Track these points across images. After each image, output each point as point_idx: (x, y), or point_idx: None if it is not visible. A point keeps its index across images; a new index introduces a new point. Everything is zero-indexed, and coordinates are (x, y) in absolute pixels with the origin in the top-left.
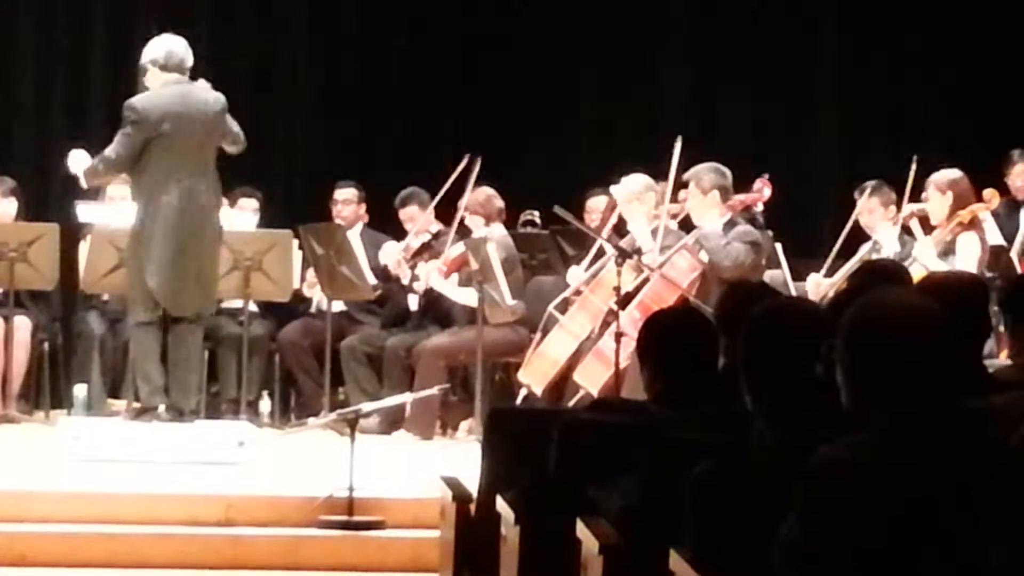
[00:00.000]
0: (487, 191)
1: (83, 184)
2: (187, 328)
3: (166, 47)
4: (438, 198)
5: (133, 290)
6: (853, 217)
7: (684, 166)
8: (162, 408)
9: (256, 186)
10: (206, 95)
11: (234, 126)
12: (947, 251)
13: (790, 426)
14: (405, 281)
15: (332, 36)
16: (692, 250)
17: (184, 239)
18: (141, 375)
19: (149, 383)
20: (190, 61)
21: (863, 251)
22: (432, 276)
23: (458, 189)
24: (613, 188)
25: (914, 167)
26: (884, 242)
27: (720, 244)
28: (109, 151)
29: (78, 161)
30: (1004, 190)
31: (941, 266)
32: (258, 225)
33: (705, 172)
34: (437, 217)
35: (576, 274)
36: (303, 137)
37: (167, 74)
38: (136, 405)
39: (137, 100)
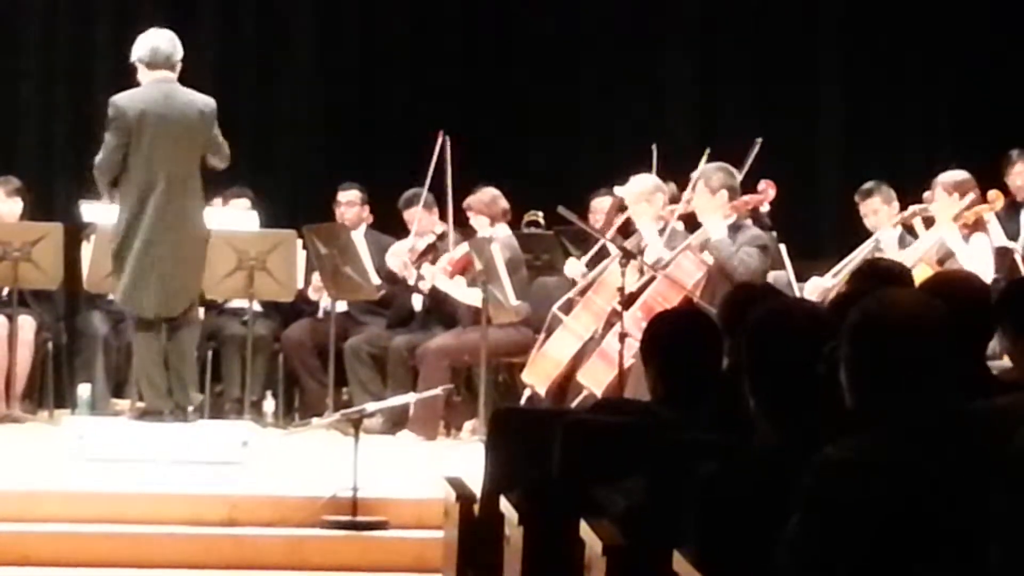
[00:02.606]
0: (492, 192)
1: (106, 201)
2: (182, 329)
3: (150, 44)
4: (426, 187)
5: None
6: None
7: (688, 167)
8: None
9: (257, 186)
10: (192, 97)
11: (220, 138)
12: (952, 252)
13: (793, 427)
14: (411, 282)
15: (333, 36)
16: (696, 251)
17: (157, 240)
18: (145, 381)
19: (154, 389)
20: (179, 55)
21: (864, 251)
22: (437, 276)
23: (439, 175)
24: (618, 188)
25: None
26: (885, 242)
27: (732, 252)
28: (97, 159)
29: (90, 208)
30: (1004, 191)
31: (966, 251)
32: (259, 224)
33: (714, 172)
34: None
35: (574, 267)
36: (305, 138)
37: (154, 72)
38: (140, 405)
39: (119, 97)
